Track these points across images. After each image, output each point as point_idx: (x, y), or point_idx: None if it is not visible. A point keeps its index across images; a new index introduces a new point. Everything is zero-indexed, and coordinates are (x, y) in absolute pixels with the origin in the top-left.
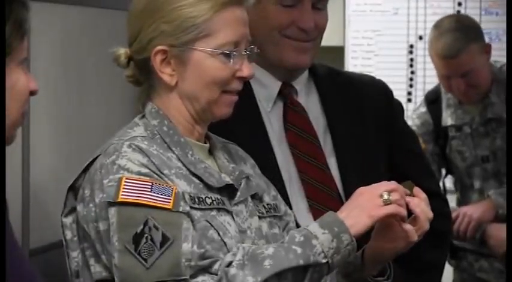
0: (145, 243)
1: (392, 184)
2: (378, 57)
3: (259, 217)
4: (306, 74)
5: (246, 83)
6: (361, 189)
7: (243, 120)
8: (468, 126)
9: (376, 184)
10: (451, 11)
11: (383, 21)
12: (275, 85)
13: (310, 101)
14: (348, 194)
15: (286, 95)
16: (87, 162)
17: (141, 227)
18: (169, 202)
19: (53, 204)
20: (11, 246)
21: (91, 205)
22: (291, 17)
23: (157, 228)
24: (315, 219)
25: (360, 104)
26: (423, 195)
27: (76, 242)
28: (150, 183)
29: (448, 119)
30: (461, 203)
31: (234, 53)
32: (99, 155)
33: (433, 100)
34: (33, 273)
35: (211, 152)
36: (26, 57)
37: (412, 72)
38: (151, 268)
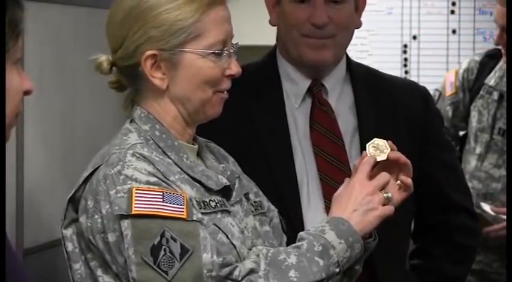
0: (164, 255)
1: (384, 176)
2: (372, 56)
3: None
4: (341, 73)
5: (276, 77)
6: (357, 182)
7: (266, 114)
8: (498, 93)
9: (364, 173)
10: (445, 11)
11: (377, 21)
12: (305, 82)
13: (342, 101)
14: None
15: (314, 92)
16: (87, 173)
17: (158, 238)
18: (183, 211)
19: (46, 204)
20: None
21: (96, 216)
22: (305, 14)
23: (175, 240)
24: None
25: (394, 109)
26: (395, 146)
27: (78, 253)
28: (161, 193)
29: (491, 79)
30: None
31: (225, 52)
32: (100, 166)
33: (491, 55)
34: (26, 274)
35: (198, 153)
36: (20, 57)
37: (406, 72)
38: (173, 281)
